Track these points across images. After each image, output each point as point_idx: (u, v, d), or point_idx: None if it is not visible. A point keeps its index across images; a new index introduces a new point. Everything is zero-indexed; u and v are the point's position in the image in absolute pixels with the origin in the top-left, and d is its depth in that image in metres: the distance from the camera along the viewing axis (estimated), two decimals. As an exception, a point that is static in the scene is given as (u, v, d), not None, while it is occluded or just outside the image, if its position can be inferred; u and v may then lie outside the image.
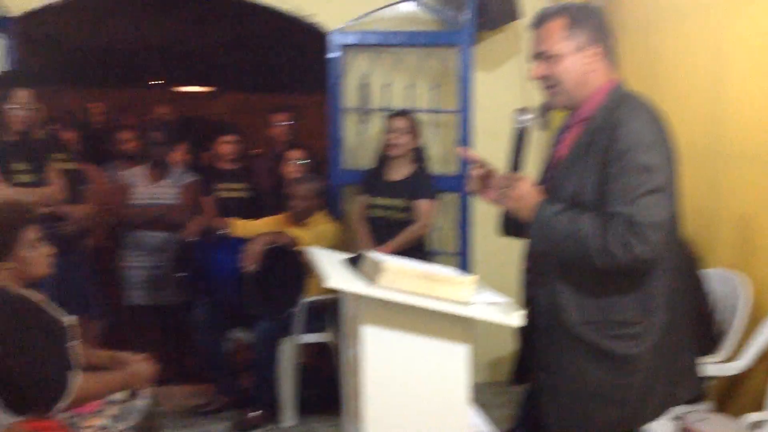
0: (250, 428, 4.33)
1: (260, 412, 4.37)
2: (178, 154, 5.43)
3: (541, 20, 2.35)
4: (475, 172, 2.42)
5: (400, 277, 2.04)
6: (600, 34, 2.33)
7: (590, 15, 2.33)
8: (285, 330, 4.32)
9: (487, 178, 2.41)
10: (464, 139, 4.74)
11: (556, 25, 2.31)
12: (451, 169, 4.92)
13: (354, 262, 2.32)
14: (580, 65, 2.31)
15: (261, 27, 8.08)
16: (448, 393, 2.09)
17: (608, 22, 2.38)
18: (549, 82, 2.36)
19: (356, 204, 4.67)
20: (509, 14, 4.78)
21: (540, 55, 2.35)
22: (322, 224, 4.58)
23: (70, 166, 4.43)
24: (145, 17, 9.14)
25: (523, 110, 2.36)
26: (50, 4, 4.83)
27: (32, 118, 4.13)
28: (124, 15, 8.91)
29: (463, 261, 4.79)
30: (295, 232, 4.39)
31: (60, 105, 7.11)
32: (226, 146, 5.31)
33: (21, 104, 4.04)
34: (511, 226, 2.54)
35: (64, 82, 9.11)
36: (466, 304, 2.06)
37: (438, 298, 2.04)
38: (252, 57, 11.14)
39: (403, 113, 4.53)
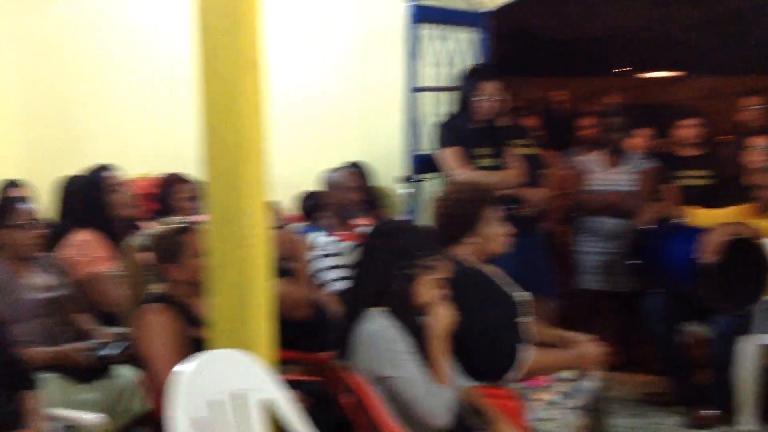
0: (703, 427, 4.14)
1: (715, 411, 4.15)
2: (637, 140, 5.35)
3: None
4: None
5: None
6: None
7: None
8: (745, 328, 4.02)
9: None
10: None
11: None
12: None
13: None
14: None
15: (730, 5, 7.58)
16: None
17: None
18: None
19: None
20: None
21: None
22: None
23: (529, 151, 4.65)
24: (609, 4, 9.16)
25: None
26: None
27: (497, 108, 4.42)
28: (589, 4, 9.03)
29: None
30: (761, 223, 4.05)
31: (525, 94, 7.47)
32: (687, 130, 5.07)
33: (488, 96, 4.34)
34: None
35: (530, 72, 9.55)
36: None
37: None
38: (722, 38, 10.50)
39: None
